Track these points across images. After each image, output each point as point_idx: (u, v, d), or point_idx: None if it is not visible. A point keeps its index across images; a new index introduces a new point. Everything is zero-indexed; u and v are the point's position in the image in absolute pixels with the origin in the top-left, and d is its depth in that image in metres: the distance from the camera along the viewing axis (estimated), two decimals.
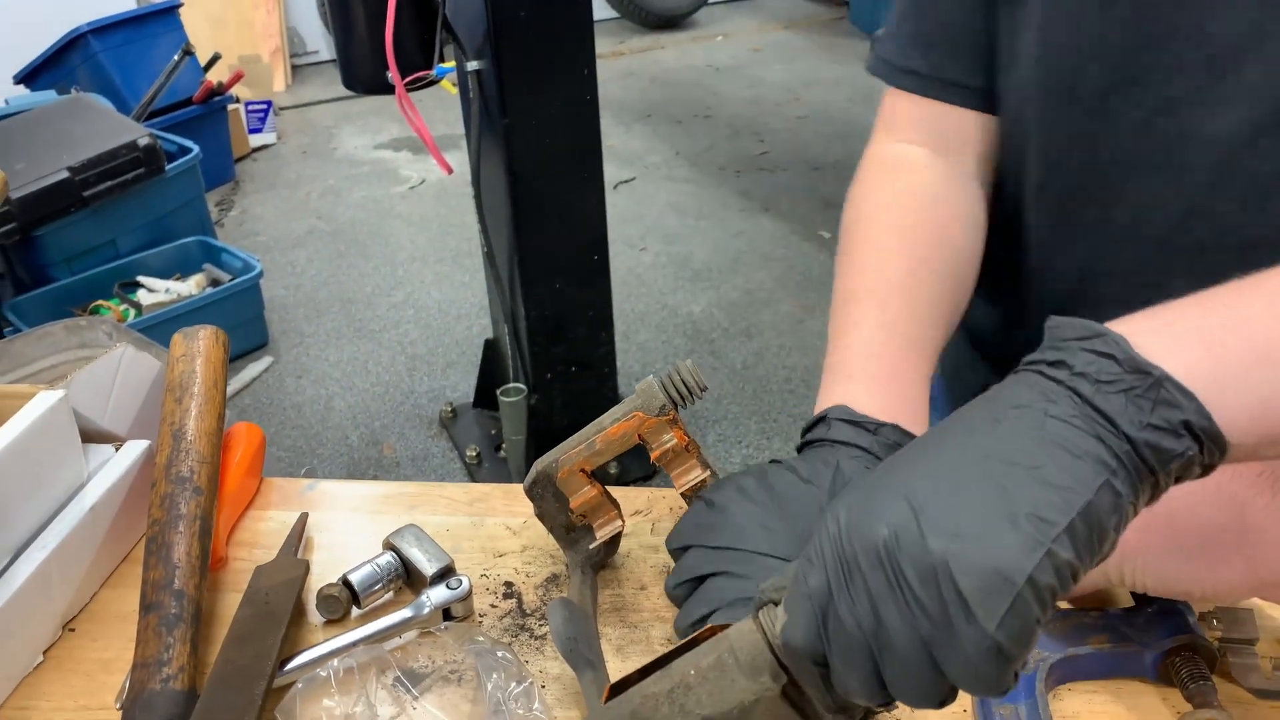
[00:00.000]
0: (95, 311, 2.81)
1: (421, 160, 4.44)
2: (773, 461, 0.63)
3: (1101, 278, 0.73)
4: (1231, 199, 0.65)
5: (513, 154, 2.07)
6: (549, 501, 0.66)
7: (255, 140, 4.56)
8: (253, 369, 2.95)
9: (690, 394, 0.64)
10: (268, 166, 4.45)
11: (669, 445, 0.65)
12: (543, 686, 0.61)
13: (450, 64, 2.04)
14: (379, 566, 0.67)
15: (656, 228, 3.74)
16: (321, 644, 0.63)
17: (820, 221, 3.71)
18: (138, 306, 2.83)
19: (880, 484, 0.42)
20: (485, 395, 2.77)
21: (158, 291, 2.93)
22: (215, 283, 2.99)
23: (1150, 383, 0.41)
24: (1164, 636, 0.59)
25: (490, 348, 2.75)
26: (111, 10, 4.00)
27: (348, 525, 0.76)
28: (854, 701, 0.43)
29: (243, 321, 2.94)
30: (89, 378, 0.71)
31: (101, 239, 2.96)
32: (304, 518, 0.74)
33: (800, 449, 0.64)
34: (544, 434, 2.38)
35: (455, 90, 2.13)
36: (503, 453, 2.50)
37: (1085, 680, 0.61)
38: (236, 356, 2.93)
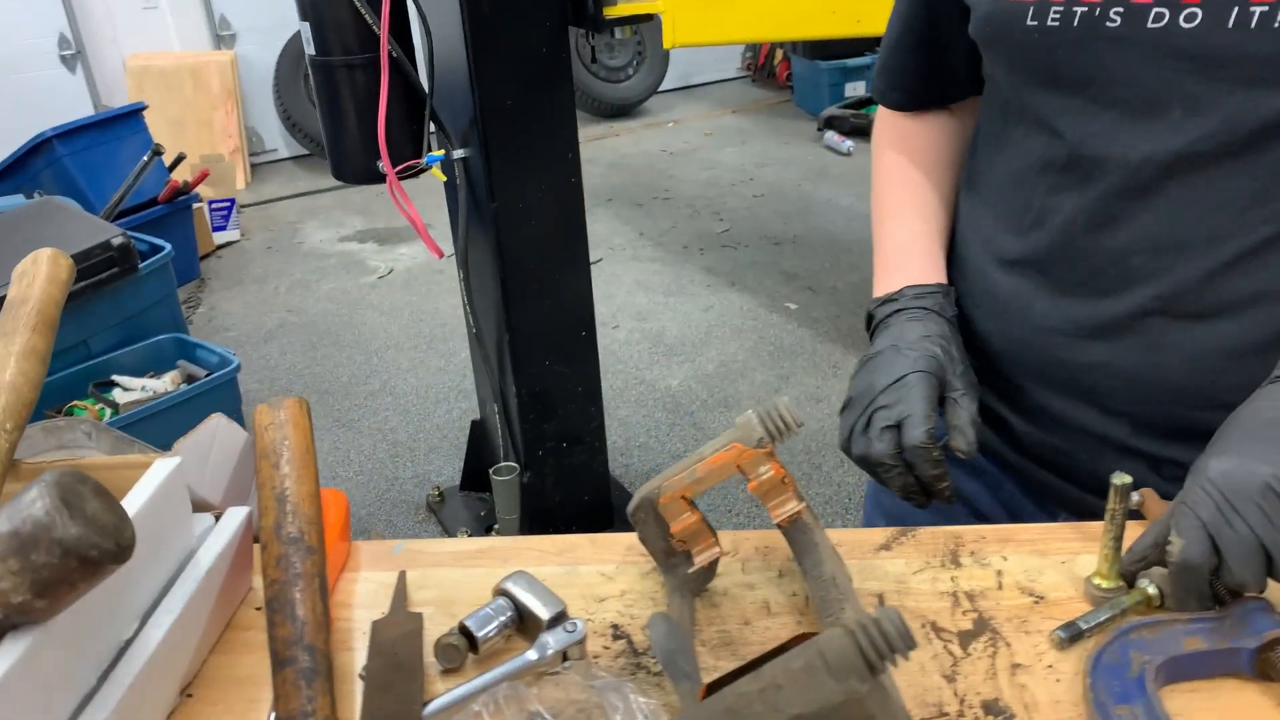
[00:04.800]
0: (70, 412, 2.77)
1: (388, 250, 4.49)
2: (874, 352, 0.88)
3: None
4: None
5: (501, 236, 2.12)
6: (650, 526, 0.69)
7: (220, 238, 4.57)
8: None
9: (786, 429, 0.68)
10: (233, 263, 4.46)
11: (765, 477, 0.68)
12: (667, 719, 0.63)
13: (439, 152, 2.10)
14: (495, 611, 0.68)
15: (627, 306, 3.81)
16: (455, 688, 0.64)
17: (786, 294, 3.81)
18: (114, 405, 2.79)
19: (1244, 453, 0.66)
20: (473, 477, 2.76)
21: (133, 390, 2.89)
22: (190, 379, 2.97)
23: None
24: (1257, 632, 0.63)
25: (477, 429, 2.75)
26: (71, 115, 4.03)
27: (444, 580, 0.77)
28: (1243, 588, 0.64)
29: None
30: (189, 447, 0.72)
31: (74, 340, 2.93)
32: (403, 575, 0.75)
33: (871, 330, 0.93)
34: (537, 511, 2.38)
35: (444, 177, 2.18)
36: (495, 533, 2.49)
37: (1187, 680, 0.64)
38: None
